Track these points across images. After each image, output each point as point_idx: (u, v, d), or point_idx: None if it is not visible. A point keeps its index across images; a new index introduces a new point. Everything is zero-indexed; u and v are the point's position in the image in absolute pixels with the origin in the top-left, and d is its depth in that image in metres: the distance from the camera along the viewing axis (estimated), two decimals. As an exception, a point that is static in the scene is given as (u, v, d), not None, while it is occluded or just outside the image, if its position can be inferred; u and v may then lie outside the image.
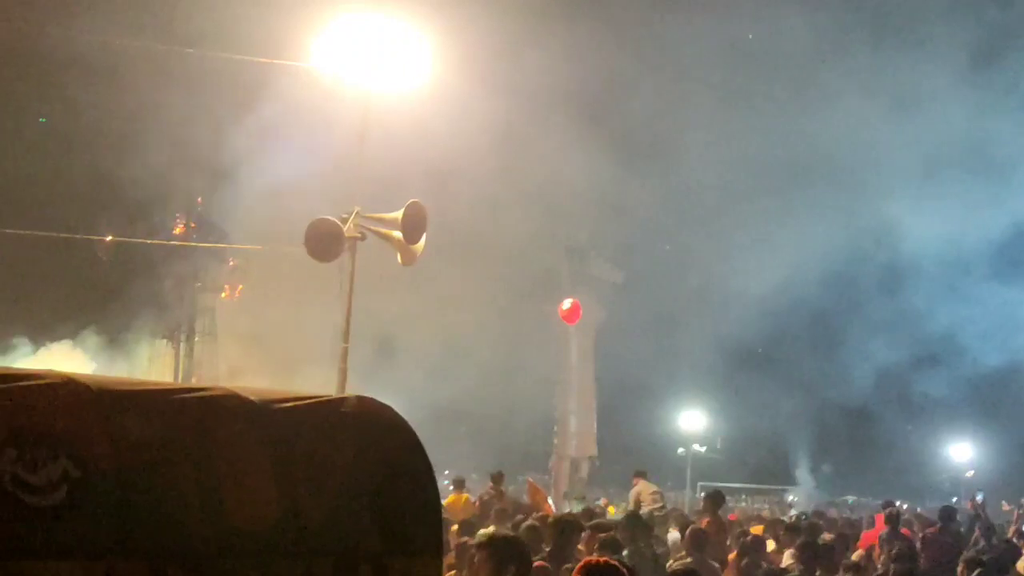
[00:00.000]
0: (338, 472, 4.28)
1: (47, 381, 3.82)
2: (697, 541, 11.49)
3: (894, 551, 12.08)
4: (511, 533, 6.68)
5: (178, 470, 3.87)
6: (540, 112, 32.54)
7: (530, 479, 19.79)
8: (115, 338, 29.76)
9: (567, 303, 32.03)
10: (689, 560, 10.61)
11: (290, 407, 4.34)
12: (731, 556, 13.68)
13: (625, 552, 10.12)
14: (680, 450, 53.57)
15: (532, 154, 32.24)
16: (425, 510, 4.58)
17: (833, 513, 22.62)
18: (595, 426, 40.49)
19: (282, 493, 4.08)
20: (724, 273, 42.55)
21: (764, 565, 11.85)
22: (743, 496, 48.09)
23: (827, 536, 14.43)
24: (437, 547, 4.55)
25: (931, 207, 40.39)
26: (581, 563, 5.86)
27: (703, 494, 25.43)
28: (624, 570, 5.63)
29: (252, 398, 4.25)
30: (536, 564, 9.27)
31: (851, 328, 48.99)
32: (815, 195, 40.93)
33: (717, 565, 10.91)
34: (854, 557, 13.96)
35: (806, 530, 14.77)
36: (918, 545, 15.37)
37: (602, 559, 5.97)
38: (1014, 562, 12.62)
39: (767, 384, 49.58)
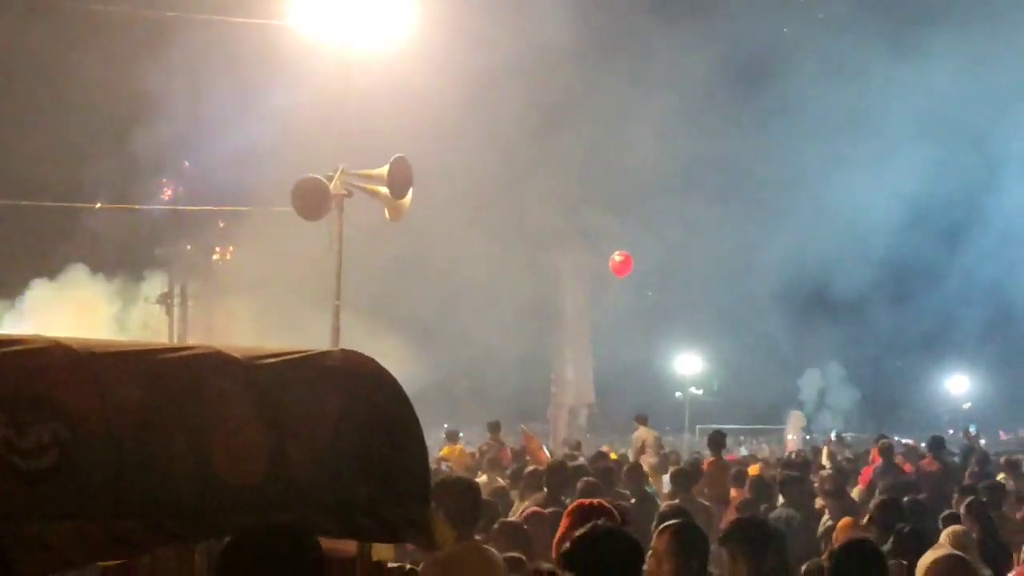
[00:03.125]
0: (325, 425, 4.35)
1: (34, 345, 3.88)
2: (679, 481, 11.62)
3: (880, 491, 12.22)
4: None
5: (167, 428, 3.93)
6: (526, 65, 32.39)
7: (524, 428, 19.90)
8: (106, 304, 29.76)
9: (618, 256, 30.94)
10: (676, 501, 10.74)
11: (275, 363, 4.40)
12: (733, 494, 13.85)
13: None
14: (677, 394, 53.78)
15: (522, 107, 32.11)
16: (413, 460, 4.64)
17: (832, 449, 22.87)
18: (592, 374, 40.60)
19: (271, 447, 4.14)
20: (719, 221, 42.61)
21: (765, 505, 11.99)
22: (741, 438, 48.29)
23: (822, 474, 14.57)
24: (425, 495, 4.62)
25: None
26: (573, 504, 5.94)
27: (704, 438, 25.65)
28: (615, 512, 5.69)
29: (237, 355, 4.31)
30: (531, 510, 9.40)
31: (846, 269, 49.04)
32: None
33: (707, 503, 11.02)
34: (853, 493, 14.11)
35: (800, 467, 14.96)
36: (913, 477, 15.55)
37: (595, 500, 6.03)
38: (1002, 496, 12.73)
39: (765, 328, 49.71)
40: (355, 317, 21.63)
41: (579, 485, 10.28)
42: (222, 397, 4.12)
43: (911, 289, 50.29)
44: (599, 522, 5.00)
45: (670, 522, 6.24)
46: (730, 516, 9.22)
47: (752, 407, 52.63)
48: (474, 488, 7.39)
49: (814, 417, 52.87)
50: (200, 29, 26.24)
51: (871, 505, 10.31)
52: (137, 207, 30.72)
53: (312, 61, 21.24)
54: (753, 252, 44.69)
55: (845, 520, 10.71)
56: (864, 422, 53.26)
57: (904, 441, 26.75)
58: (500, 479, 14.47)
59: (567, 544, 4.89)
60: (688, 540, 5.88)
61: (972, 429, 22.93)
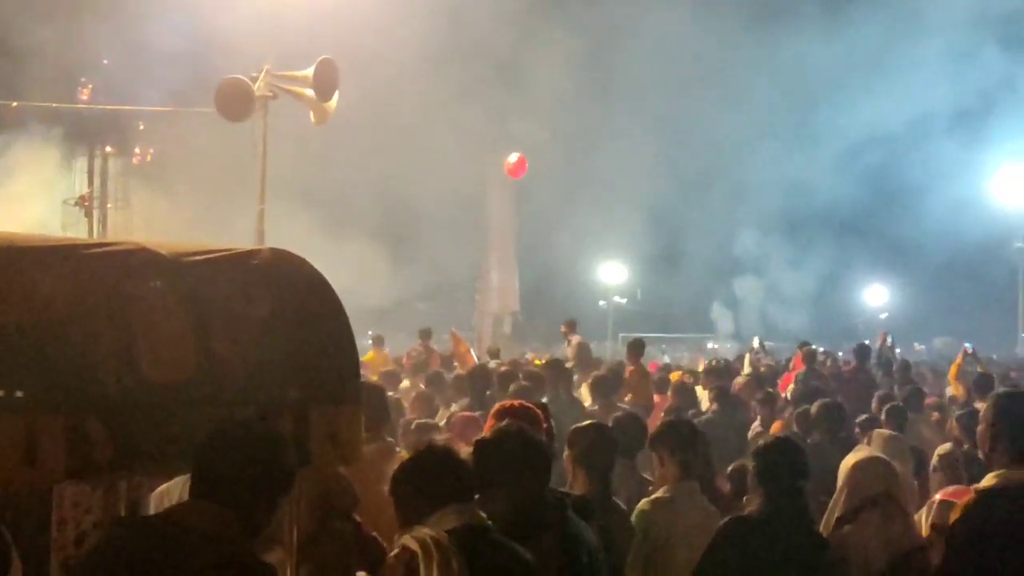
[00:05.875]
0: (254, 323, 4.28)
1: (-47, 238, 3.78)
2: (600, 388, 11.69)
3: (798, 391, 12.42)
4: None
5: (92, 324, 3.85)
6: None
7: (453, 330, 19.92)
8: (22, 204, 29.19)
9: (513, 156, 31.25)
10: (596, 408, 10.82)
11: (202, 260, 4.32)
12: (656, 399, 14.01)
13: (545, 399, 10.28)
14: (601, 302, 54.18)
15: (442, 15, 31.72)
16: (343, 360, 4.60)
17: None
18: (517, 282, 40.69)
19: (198, 344, 4.08)
20: (643, 132, 42.67)
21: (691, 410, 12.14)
22: (663, 346, 48.81)
23: (739, 380, 14.76)
24: (356, 398, 4.58)
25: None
26: (496, 406, 5.95)
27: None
28: (538, 411, 5.71)
29: (163, 252, 4.22)
30: (461, 414, 9.45)
31: (763, 181, 49.47)
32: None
33: (627, 407, 11.11)
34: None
35: (723, 373, 15.14)
36: (834, 383, 15.82)
37: (517, 401, 6.05)
38: (921, 401, 13.00)
39: (681, 239, 50.14)
40: (281, 219, 21.41)
41: (511, 387, 10.32)
42: (148, 293, 4.04)
43: (830, 199, 50.84)
44: (507, 423, 5.06)
45: (577, 426, 6.34)
46: (656, 421, 9.32)
47: (672, 316, 53.23)
48: (380, 390, 7.67)
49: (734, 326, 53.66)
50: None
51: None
52: (54, 104, 29.99)
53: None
54: (680, 161, 44.91)
55: (776, 424, 10.90)
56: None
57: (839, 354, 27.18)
58: (423, 385, 14.50)
59: (476, 442, 4.93)
60: (589, 443, 6.02)
61: (889, 339, 23.30)
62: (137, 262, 4.13)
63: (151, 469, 4.24)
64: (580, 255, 50.77)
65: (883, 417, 9.99)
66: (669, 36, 42.21)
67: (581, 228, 46.54)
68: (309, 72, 17.45)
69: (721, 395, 12.07)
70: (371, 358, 19.69)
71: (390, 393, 11.43)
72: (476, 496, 4.49)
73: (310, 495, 5.24)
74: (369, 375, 13.86)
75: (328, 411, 4.46)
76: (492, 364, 16.30)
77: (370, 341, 21.28)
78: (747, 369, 19.81)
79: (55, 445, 3.67)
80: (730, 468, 7.61)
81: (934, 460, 8.07)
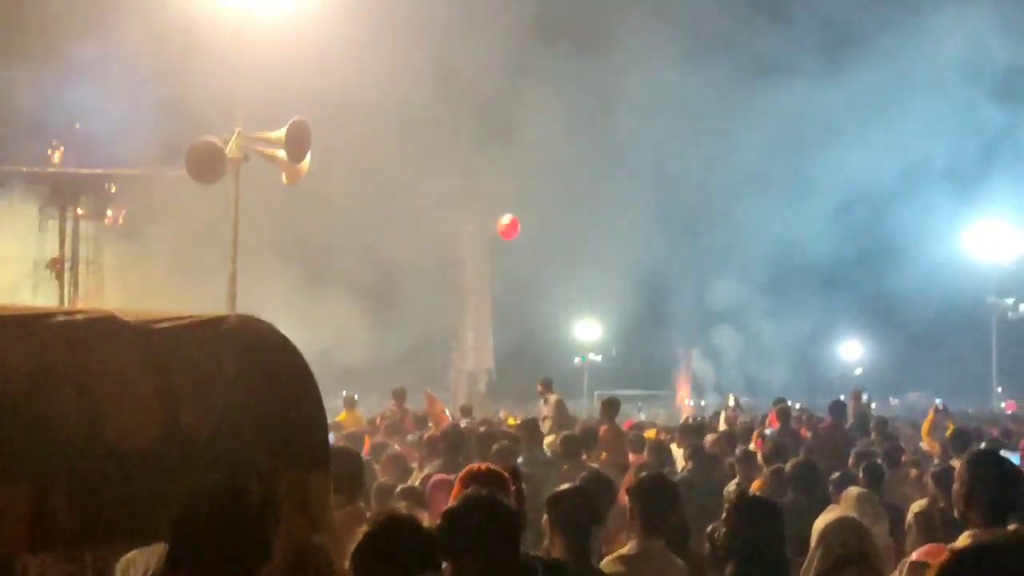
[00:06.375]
0: (221, 389, 4.26)
1: (-81, 309, 3.75)
2: (570, 447, 11.58)
3: (769, 449, 12.34)
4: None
5: (59, 393, 3.83)
6: (425, 30, 32.24)
7: (427, 390, 19.81)
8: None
9: (506, 218, 31.01)
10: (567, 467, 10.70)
11: (169, 327, 4.30)
12: (632, 458, 13.92)
13: (520, 460, 10.21)
14: (576, 359, 54.14)
15: (418, 74, 31.94)
16: (311, 425, 4.58)
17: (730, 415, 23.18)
18: (491, 340, 40.74)
19: (165, 411, 4.06)
20: (620, 189, 42.95)
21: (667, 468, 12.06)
22: (639, 404, 48.73)
23: (710, 437, 14.69)
24: (324, 461, 4.55)
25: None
26: (464, 470, 5.89)
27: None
28: (505, 475, 5.65)
29: (130, 319, 4.20)
30: (437, 477, 9.37)
31: (743, 234, 49.80)
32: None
33: (596, 467, 11.02)
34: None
35: (696, 431, 15.09)
36: (810, 441, 15.77)
37: (483, 465, 5.98)
38: (900, 457, 12.96)
39: (660, 294, 50.26)
40: (256, 280, 21.36)
41: (494, 448, 10.24)
42: (115, 361, 4.02)
43: (807, 258, 51.11)
44: (472, 490, 4.99)
45: (556, 490, 6.27)
46: (629, 481, 9.25)
47: (648, 373, 53.21)
48: (353, 455, 7.56)
49: (708, 384, 53.69)
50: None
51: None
52: (24, 168, 29.94)
53: (210, 22, 20.82)
54: (657, 216, 45.13)
55: (756, 483, 10.84)
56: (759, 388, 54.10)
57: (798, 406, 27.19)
58: (398, 445, 14.37)
59: (440, 516, 4.86)
60: (567, 507, 5.96)
61: (865, 397, 23.36)
62: (104, 330, 4.11)
63: (117, 540, 4.17)
64: (555, 312, 50.79)
65: (860, 474, 9.95)
66: (646, 92, 42.60)
67: (556, 286, 46.61)
68: (281, 133, 17.43)
69: (696, 453, 12.01)
70: (343, 419, 19.55)
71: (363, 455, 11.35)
72: (444, 565, 4.43)
73: (283, 563, 5.17)
74: (340, 437, 13.77)
75: (297, 477, 4.43)
76: (463, 423, 16.22)
77: (342, 402, 21.15)
78: (723, 426, 19.78)
79: (18, 516, 3.62)
80: (710, 528, 7.54)
81: (909, 517, 8.03)
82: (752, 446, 14.60)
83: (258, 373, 4.41)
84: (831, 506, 7.54)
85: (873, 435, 16.50)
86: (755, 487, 10.47)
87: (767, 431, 16.50)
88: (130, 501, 3.92)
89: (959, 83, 45.09)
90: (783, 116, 43.74)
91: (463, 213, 37.76)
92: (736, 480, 11.58)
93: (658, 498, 6.52)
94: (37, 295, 28.67)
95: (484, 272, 40.60)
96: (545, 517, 6.01)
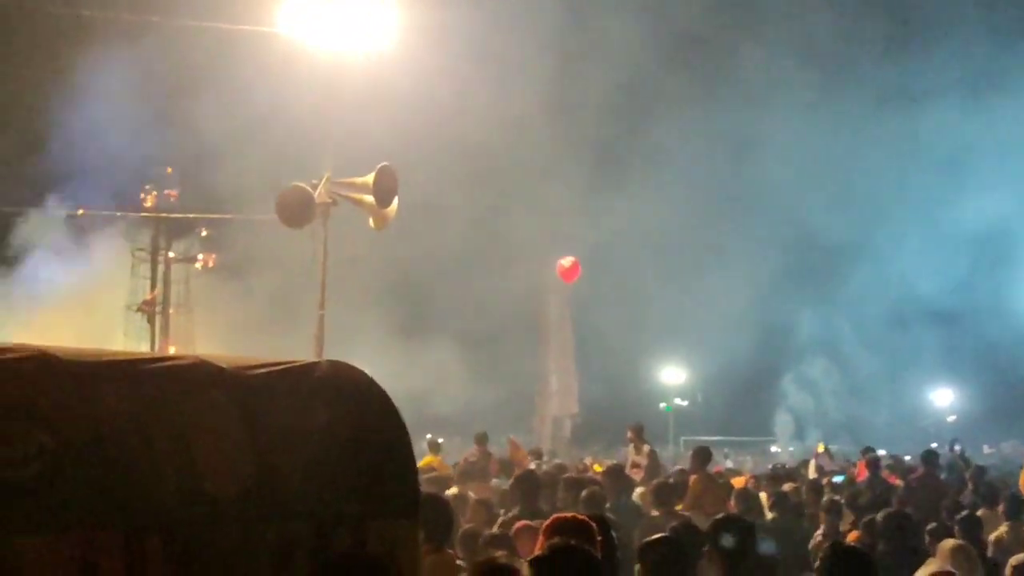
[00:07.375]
0: (312, 436, 4.28)
1: (19, 355, 3.81)
2: (662, 496, 11.42)
3: (861, 500, 12.13)
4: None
5: (152, 439, 3.86)
6: (511, 71, 32.44)
7: (512, 437, 19.80)
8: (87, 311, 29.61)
9: (567, 260, 31.23)
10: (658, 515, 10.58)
11: (261, 373, 4.33)
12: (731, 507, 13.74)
13: (608, 505, 10.15)
14: (662, 405, 53.72)
15: (503, 116, 32.12)
16: (401, 473, 4.58)
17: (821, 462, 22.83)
18: (576, 384, 40.58)
19: (256, 459, 4.07)
20: (696, 236, 42.76)
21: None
22: (726, 450, 48.18)
23: (788, 485, 14.45)
24: (414, 510, 4.55)
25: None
26: (550, 519, 5.84)
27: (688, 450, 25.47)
28: (592, 525, 5.60)
29: (223, 365, 4.24)
30: (520, 524, 9.31)
31: (830, 276, 49.17)
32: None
33: (688, 514, 10.87)
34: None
35: (783, 478, 14.89)
36: (903, 491, 15.43)
37: (570, 514, 5.94)
38: (995, 505, 12.63)
39: (743, 336, 49.71)
40: (345, 324, 21.54)
41: (583, 494, 10.18)
42: (207, 408, 4.06)
43: (897, 303, 50.23)
44: (556, 540, 4.97)
45: (648, 540, 6.25)
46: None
47: (735, 419, 52.61)
48: (443, 502, 7.56)
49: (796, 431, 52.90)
50: (189, 35, 26.17)
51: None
52: (119, 212, 30.56)
53: (300, 67, 21.13)
54: (741, 260, 44.76)
55: (853, 535, 10.58)
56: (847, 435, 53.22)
57: (886, 453, 26.70)
58: (481, 492, 14.33)
59: (531, 560, 4.85)
60: (660, 557, 5.94)
61: (957, 447, 22.87)
62: (196, 376, 4.15)
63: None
64: (640, 357, 50.50)
65: (955, 527, 9.72)
66: (728, 126, 42.37)
67: (641, 331, 46.39)
68: (369, 179, 17.59)
69: (780, 501, 11.84)
70: (428, 463, 19.56)
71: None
72: None
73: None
74: (426, 482, 13.76)
75: (386, 525, 4.42)
76: (533, 465, 16.17)
77: (426, 445, 21.18)
78: (812, 474, 19.50)
79: (112, 563, 3.66)
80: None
81: (1008, 571, 7.84)
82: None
83: (349, 421, 4.43)
84: (929, 560, 7.38)
85: (970, 485, 16.08)
86: (851, 538, 10.24)
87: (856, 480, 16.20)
88: (221, 549, 3.94)
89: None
90: (921, 148, 42.93)
91: (549, 257, 37.78)
92: (821, 530, 11.39)
93: (736, 543, 6.48)
94: (127, 338, 29.18)
95: (566, 316, 40.54)
96: (637, 567, 5.96)
